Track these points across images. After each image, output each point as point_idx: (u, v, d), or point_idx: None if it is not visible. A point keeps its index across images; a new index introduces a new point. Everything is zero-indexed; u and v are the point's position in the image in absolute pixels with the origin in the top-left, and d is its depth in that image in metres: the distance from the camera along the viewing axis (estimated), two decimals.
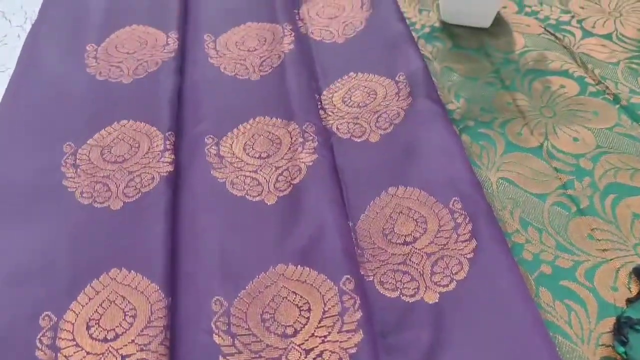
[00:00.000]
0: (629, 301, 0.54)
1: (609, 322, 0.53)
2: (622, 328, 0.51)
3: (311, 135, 0.70)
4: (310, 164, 0.67)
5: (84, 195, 0.66)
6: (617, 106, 0.74)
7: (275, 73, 0.81)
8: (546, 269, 0.58)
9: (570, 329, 0.54)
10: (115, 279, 0.57)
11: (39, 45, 0.87)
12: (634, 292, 0.55)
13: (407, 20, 0.91)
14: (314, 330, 0.53)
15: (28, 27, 0.94)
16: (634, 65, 0.80)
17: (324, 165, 0.67)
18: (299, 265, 0.58)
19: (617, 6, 0.92)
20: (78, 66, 0.84)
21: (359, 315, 0.54)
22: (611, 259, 0.58)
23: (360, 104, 0.76)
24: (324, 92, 0.79)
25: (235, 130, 0.73)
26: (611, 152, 0.69)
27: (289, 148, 0.70)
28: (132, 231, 0.61)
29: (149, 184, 0.66)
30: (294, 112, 0.73)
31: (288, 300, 0.56)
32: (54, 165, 0.69)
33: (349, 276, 0.56)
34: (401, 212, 0.62)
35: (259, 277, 0.57)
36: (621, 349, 0.50)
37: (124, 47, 0.87)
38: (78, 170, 0.69)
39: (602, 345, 0.52)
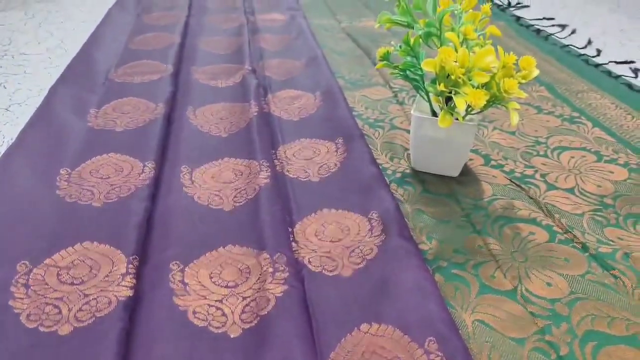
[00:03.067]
0: None
1: None
2: None
3: (282, 266, 0.68)
4: (280, 294, 0.64)
5: (30, 317, 0.60)
6: (587, 254, 0.75)
7: (249, 204, 0.81)
8: None
9: None
10: None
11: (11, 166, 0.86)
12: None
13: (379, 166, 0.95)
14: None
15: (3, 150, 0.94)
16: (598, 218, 0.83)
17: (294, 297, 0.64)
18: None
19: (576, 164, 0.98)
20: (48, 188, 0.83)
21: None
22: None
23: (333, 239, 0.75)
24: (297, 226, 0.78)
25: (202, 257, 0.70)
26: (585, 298, 0.68)
27: (258, 278, 0.67)
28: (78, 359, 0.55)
29: (104, 308, 0.61)
30: (266, 242, 0.72)
31: None
32: (3, 285, 0.64)
33: None
34: (374, 352, 0.58)
35: None
36: None
37: (99, 172, 0.87)
38: (29, 290, 0.64)
39: None
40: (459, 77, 0.81)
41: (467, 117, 0.90)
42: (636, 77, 1.44)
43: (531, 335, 0.63)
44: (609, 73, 1.42)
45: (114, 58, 1.36)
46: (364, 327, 0.61)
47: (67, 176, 0.86)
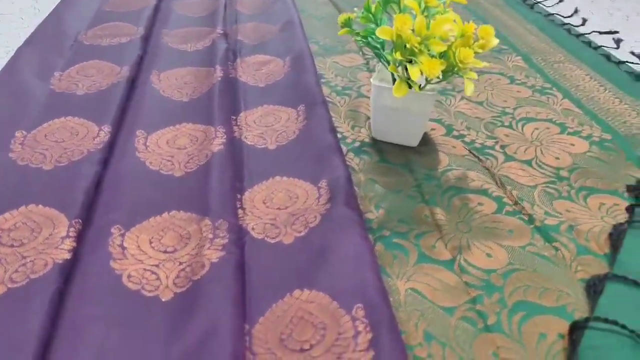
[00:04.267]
0: None
1: None
2: None
3: (222, 232, 0.68)
4: (216, 260, 0.64)
5: None
6: (532, 226, 0.76)
7: (199, 171, 0.81)
8: None
9: None
10: None
11: None
12: None
13: (339, 134, 0.95)
14: None
15: None
16: (550, 190, 0.83)
17: (230, 264, 0.64)
18: None
19: (538, 136, 0.98)
20: (1, 151, 0.83)
21: None
22: None
23: (281, 206, 0.76)
24: (247, 193, 0.78)
25: (145, 222, 0.71)
26: (523, 270, 0.68)
27: (197, 244, 0.67)
28: (8, 320, 0.56)
29: (40, 271, 0.62)
30: (210, 208, 0.72)
31: None
32: None
33: None
34: (302, 317, 0.59)
35: None
36: None
37: (54, 135, 0.87)
38: None
39: None
40: (415, 46, 0.80)
41: (428, 87, 0.89)
42: (617, 47, 1.41)
43: (461, 304, 0.63)
44: (589, 43, 1.39)
45: (86, 20, 1.35)
46: (296, 293, 0.62)
47: (22, 139, 0.86)
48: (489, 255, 0.71)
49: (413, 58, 0.82)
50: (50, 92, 1.01)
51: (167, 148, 0.86)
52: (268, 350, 0.56)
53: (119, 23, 1.33)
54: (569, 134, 0.99)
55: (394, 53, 0.82)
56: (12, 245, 0.66)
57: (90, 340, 0.56)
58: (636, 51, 1.38)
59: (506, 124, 1.02)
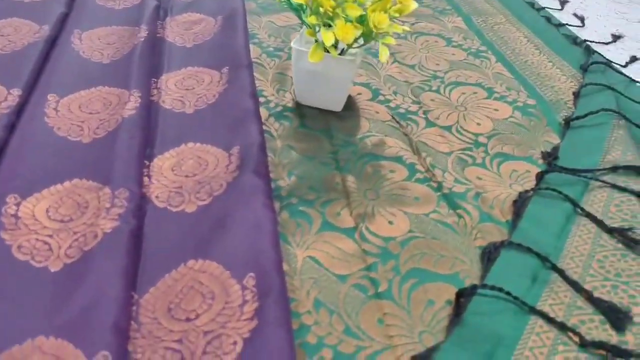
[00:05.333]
0: None
1: None
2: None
3: (121, 202, 0.68)
4: (109, 230, 0.64)
5: None
6: (439, 193, 0.76)
7: (108, 137, 0.79)
8: (327, 353, 0.56)
9: None
10: None
11: None
12: None
13: (263, 98, 0.93)
14: None
15: None
16: (464, 156, 0.84)
17: (124, 234, 0.64)
18: (59, 339, 0.53)
19: (464, 101, 0.97)
20: None
21: None
22: (396, 346, 0.57)
23: (189, 174, 0.75)
24: (156, 160, 0.77)
25: (45, 191, 0.70)
26: (422, 237, 0.69)
27: (94, 213, 0.67)
28: None
29: None
30: (113, 176, 0.71)
31: None
32: None
33: (105, 353, 0.51)
34: (192, 287, 0.60)
35: (11, 350, 0.52)
36: None
37: None
38: None
39: None
40: (329, 10, 0.78)
41: (351, 51, 0.88)
42: (562, 9, 1.41)
43: (355, 272, 0.64)
44: (533, 4, 1.38)
45: None
46: (190, 263, 0.62)
47: None
48: (390, 222, 0.71)
49: (330, 22, 0.80)
50: None
51: (78, 113, 0.84)
52: (154, 320, 0.57)
53: None
54: (495, 99, 0.99)
55: (308, 17, 0.81)
56: None
57: None
58: (579, 13, 1.37)
59: (434, 88, 1.01)
